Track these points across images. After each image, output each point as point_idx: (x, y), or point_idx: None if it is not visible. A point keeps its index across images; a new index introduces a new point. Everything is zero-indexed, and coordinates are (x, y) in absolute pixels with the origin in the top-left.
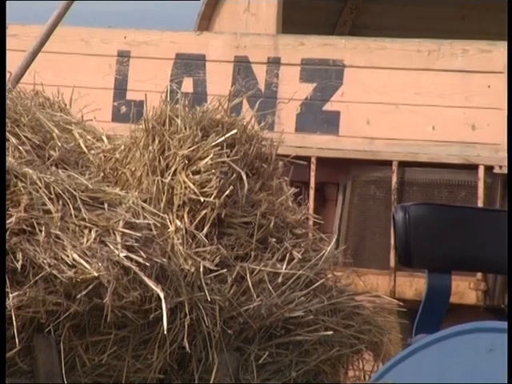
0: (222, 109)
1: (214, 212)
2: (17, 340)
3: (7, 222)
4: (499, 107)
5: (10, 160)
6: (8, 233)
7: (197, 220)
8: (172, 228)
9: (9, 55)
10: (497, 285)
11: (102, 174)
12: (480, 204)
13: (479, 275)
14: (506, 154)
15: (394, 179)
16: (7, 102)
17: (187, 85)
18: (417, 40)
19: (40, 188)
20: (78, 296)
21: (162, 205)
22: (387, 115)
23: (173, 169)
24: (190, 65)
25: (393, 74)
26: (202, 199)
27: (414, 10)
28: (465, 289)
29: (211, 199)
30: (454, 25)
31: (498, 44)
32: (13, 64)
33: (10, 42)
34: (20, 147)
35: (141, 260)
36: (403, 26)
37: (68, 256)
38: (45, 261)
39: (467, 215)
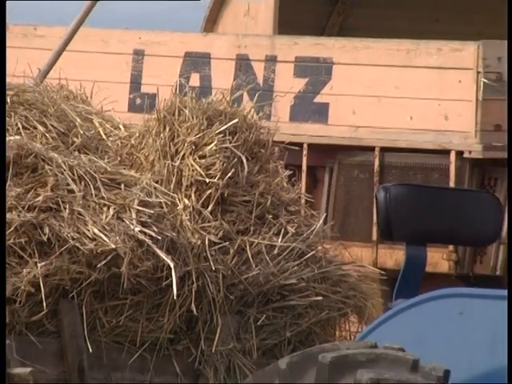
0: (225, 101)
1: (217, 192)
2: (44, 304)
3: (36, 200)
4: (469, 99)
5: (37, 145)
6: (36, 210)
7: (202, 199)
8: (181, 206)
9: (37, 54)
10: (466, 255)
11: (119, 158)
12: (451, 184)
13: (451, 247)
14: (474, 141)
15: (376, 163)
16: (35, 95)
17: (194, 80)
18: (397, 40)
19: (64, 170)
20: (98, 265)
21: (172, 185)
22: (370, 106)
23: (181, 153)
24: (196, 62)
25: (376, 70)
26: (207, 180)
27: (395, 13)
28: (438, 259)
29: (215, 180)
30: (430, 26)
31: (468, 44)
32: (40, 62)
33: (38, 42)
34: (47, 134)
35: (153, 234)
36: (385, 27)
37: (89, 230)
38: (69, 234)
39: (440, 194)
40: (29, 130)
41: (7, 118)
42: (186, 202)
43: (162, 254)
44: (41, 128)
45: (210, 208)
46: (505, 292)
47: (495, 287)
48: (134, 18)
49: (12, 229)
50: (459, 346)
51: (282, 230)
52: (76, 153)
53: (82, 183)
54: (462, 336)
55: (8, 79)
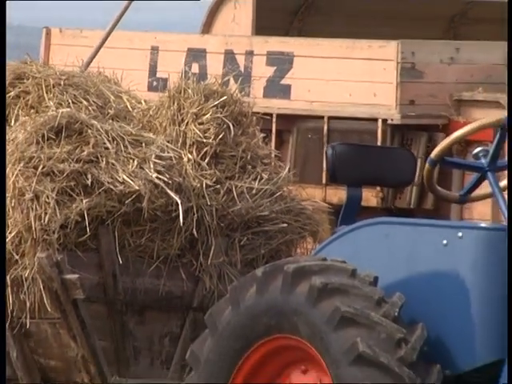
0: (217, 83)
1: (212, 149)
2: (88, 229)
3: (81, 154)
4: (391, 82)
5: (82, 115)
6: (82, 162)
7: (201, 154)
8: (185, 159)
9: (82, 50)
10: (389, 194)
11: (140, 125)
12: (379, 143)
13: (378, 188)
14: (395, 112)
15: (325, 128)
16: (81, 79)
17: (194, 68)
18: (340, 39)
19: (101, 133)
20: (126, 202)
21: (179, 144)
22: (321, 87)
23: (186, 121)
24: (196, 55)
25: (325, 61)
26: (204, 140)
27: (339, 21)
28: (370, 197)
29: (210, 141)
30: (363, 30)
31: (391, 42)
32: (85, 55)
33: (82, 41)
34: (89, 107)
35: (165, 179)
36: (332, 30)
37: (119, 176)
38: (105, 179)
39: (371, 151)
40: (76, 104)
41: (60, 96)
42: (189, 156)
43: (172, 194)
44: (85, 103)
45: (206, 160)
46: (417, 220)
47: (410, 217)
48: (151, 24)
49: (64, 175)
50: (384, 260)
51: (258, 176)
52: (110, 121)
53: (114, 142)
54: (387, 252)
55: (61, 68)
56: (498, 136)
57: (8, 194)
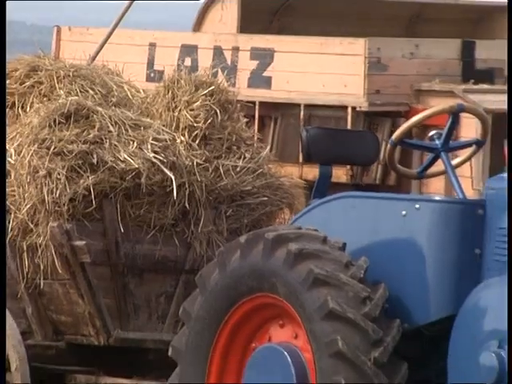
0: (206, 75)
1: (201, 132)
2: (94, 202)
3: (88, 137)
4: (359, 74)
5: (89, 103)
6: (88, 143)
7: (192, 136)
8: (178, 141)
9: (88, 45)
10: (358, 171)
11: (139, 111)
12: (349, 127)
13: (348, 166)
14: (363, 100)
15: (302, 114)
16: (87, 71)
17: (187, 62)
18: (314, 37)
19: (105, 118)
20: (127, 178)
21: (173, 128)
22: (298, 78)
23: (179, 108)
24: (188, 51)
25: (301, 56)
26: (195, 125)
27: (313, 21)
28: (340, 174)
29: (200, 125)
30: (336, 29)
31: (359, 39)
32: (91, 50)
33: (89, 38)
34: (94, 96)
35: (161, 158)
36: (307, 29)
37: (121, 156)
38: (108, 159)
39: (341, 134)
40: (83, 93)
41: (69, 85)
42: (182, 138)
43: (167, 171)
44: (91, 92)
45: (196, 142)
46: (380, 194)
47: (375, 192)
48: (146, 24)
49: (73, 155)
50: (351, 229)
51: (242, 156)
52: (113, 107)
53: (117, 126)
54: (354, 222)
55: (70, 61)
56: (450, 121)
57: (24, 171)
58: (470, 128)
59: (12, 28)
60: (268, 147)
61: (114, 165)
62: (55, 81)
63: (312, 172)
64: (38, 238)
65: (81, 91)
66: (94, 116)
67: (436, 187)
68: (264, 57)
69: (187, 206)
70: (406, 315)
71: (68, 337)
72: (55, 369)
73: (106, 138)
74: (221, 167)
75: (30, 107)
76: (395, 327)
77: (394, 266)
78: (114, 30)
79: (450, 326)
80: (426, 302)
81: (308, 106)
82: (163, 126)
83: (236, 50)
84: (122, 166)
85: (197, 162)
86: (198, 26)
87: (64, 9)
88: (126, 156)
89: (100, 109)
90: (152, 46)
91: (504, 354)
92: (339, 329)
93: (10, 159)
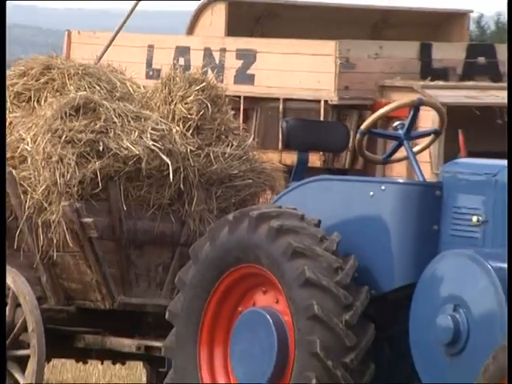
0: (198, 73)
1: (194, 123)
2: (100, 184)
3: (95, 127)
4: (331, 71)
5: (96, 97)
6: (95, 132)
7: (186, 127)
8: (174, 131)
9: (95, 47)
10: (329, 157)
11: (140, 104)
12: (321, 118)
13: (321, 153)
14: (334, 95)
15: (281, 107)
16: (94, 69)
17: (181, 61)
18: (292, 40)
19: (110, 111)
20: (129, 163)
21: (169, 119)
22: (278, 76)
23: (174, 102)
24: (182, 51)
25: (281, 56)
26: (188, 116)
27: (289, 26)
28: (315, 160)
29: (193, 116)
30: (308, 32)
31: (330, 41)
32: (97, 51)
33: (95, 41)
34: (101, 91)
35: (159, 146)
36: (283, 33)
37: (124, 144)
38: (113, 146)
39: (315, 124)
40: (91, 88)
41: (78, 82)
42: (177, 128)
43: (164, 157)
44: (97, 87)
45: (190, 132)
46: (350, 177)
47: (345, 175)
48: (143, 29)
49: (82, 143)
50: (325, 207)
51: (230, 143)
52: (117, 101)
53: (120, 118)
54: (327, 201)
55: (79, 61)
56: (411, 113)
57: (39, 157)
58: (427, 119)
59: (29, 32)
60: (252, 136)
61: (118, 151)
62: (66, 78)
63: (290, 158)
64: (51, 216)
65: (88, 87)
66: (100, 109)
67: (398, 171)
68: (248, 57)
69: (182, 187)
70: (373, 283)
71: (78, 302)
72: (66, 330)
73: (110, 128)
74: (211, 154)
75: (44, 101)
76: (364, 293)
77: (363, 240)
78: (117, 34)
79: (411, 292)
80: (390, 271)
81: (286, 100)
82: (161, 117)
83: (223, 51)
84: (125, 152)
85: (190, 149)
86: (190, 30)
87: (75, 15)
88: (128, 144)
89: (105, 102)
90: (150, 47)
91: (458, 316)
92: (315, 295)
93: (26, 146)
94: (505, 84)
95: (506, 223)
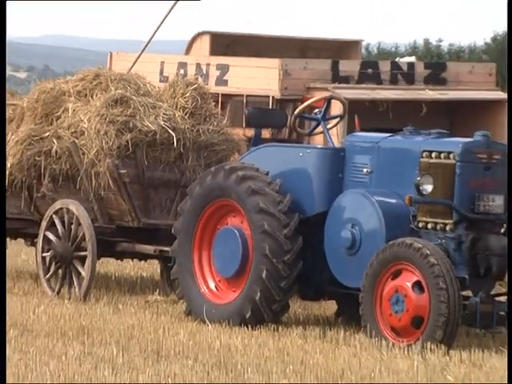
0: (192, 78)
1: (189, 110)
2: (130, 149)
3: (127, 113)
4: (276, 78)
5: (127, 93)
6: (127, 116)
7: (184, 112)
8: (177, 115)
9: (128, 64)
10: (275, 132)
11: (155, 98)
12: (270, 107)
13: (270, 129)
14: (278, 92)
15: (244, 100)
16: (124, 77)
17: (181, 72)
18: (252, 58)
19: (136, 102)
20: (149, 135)
21: (174, 108)
22: (243, 80)
23: (177, 97)
24: (182, 65)
25: (245, 68)
26: (186, 106)
27: (253, 49)
28: (266, 133)
29: (189, 106)
30: (268, 53)
31: (276, 59)
32: (129, 65)
33: (128, 58)
34: (130, 90)
35: (168, 125)
36: (248, 53)
37: (145, 123)
38: (138, 125)
39: (266, 110)
40: (124, 88)
41: (117, 84)
42: (179, 113)
43: (171, 131)
44: (128, 88)
45: (187, 116)
46: (288, 144)
47: (284, 143)
48: (161, 51)
49: (119, 122)
50: (272, 164)
51: (212, 123)
52: (141, 96)
53: (143, 107)
54: (274, 160)
55: (118, 71)
56: (325, 104)
57: (91, 131)
58: (336, 108)
59: (84, 54)
60: (226, 118)
61: (142, 128)
62: (109, 82)
63: (250, 132)
64: (100, 168)
65: (123, 87)
66: (130, 101)
67: (318, 141)
68: (223, 68)
69: (182, 150)
70: (302, 210)
71: (116, 222)
72: (109, 240)
73: (137, 114)
74: (200, 129)
75: (95, 96)
76: (296, 217)
77: (296, 184)
78: (141, 54)
79: (325, 216)
80: (312, 202)
81: (248, 96)
82: (169, 107)
83: (208, 65)
84: (146, 129)
85: (187, 127)
86: (187, 51)
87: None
88: (148, 123)
89: (134, 97)
90: (162, 62)
91: (355, 231)
92: (265, 218)
93: (84, 125)
94: (385, 86)
95: (387, 173)
